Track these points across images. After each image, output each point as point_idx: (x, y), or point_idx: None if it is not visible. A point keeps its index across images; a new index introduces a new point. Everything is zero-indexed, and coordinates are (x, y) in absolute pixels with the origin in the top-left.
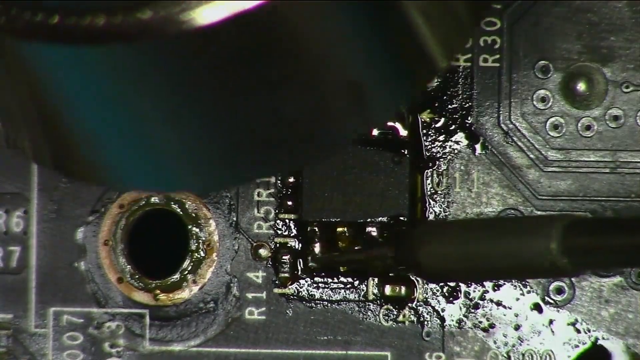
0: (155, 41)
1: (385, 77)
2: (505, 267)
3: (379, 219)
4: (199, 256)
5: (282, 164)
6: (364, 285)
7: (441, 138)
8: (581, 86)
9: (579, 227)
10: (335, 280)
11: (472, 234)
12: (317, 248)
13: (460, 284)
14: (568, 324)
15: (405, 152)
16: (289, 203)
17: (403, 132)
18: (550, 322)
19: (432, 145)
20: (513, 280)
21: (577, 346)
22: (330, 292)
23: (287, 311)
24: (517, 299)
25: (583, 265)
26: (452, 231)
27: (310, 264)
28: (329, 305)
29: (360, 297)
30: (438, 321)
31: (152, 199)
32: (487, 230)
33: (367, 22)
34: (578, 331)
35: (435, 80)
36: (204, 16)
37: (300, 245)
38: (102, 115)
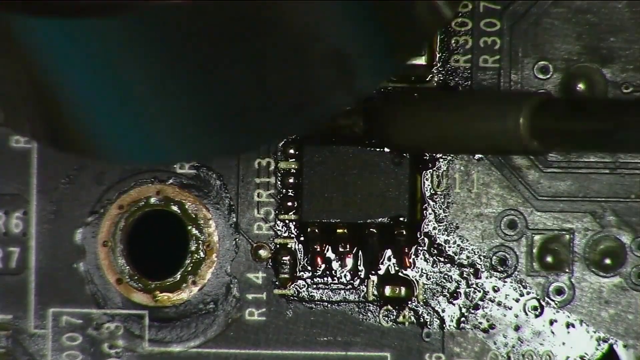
0: (140, 14)
1: (370, 48)
2: (476, 145)
3: (379, 219)
4: (198, 257)
5: (268, 134)
6: (363, 286)
7: None
8: (581, 87)
9: (548, 107)
10: (335, 281)
11: (443, 112)
12: None
13: (460, 282)
14: (568, 325)
15: (406, 153)
16: (289, 204)
17: None
18: (550, 322)
19: None
20: (512, 281)
21: (576, 346)
22: (330, 293)
23: (287, 312)
24: (517, 300)
25: (551, 145)
26: (423, 107)
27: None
28: (329, 306)
29: (360, 298)
30: (438, 322)
31: (152, 200)
32: (458, 108)
33: None
34: (578, 332)
35: (435, 80)
36: None
37: (300, 246)
38: (91, 88)
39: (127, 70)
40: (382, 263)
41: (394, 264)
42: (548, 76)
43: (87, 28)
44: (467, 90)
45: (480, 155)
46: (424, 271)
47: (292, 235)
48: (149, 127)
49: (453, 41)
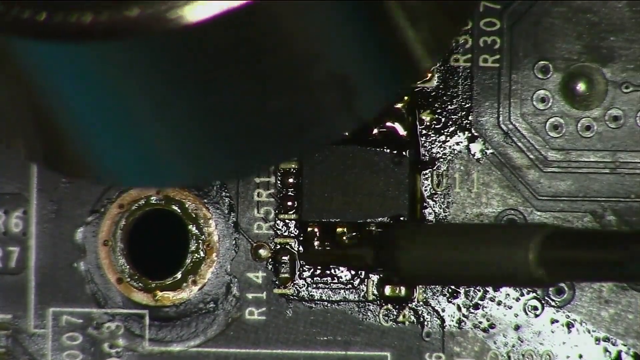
0: (142, 39)
1: (372, 72)
2: (483, 275)
3: (379, 219)
4: (198, 256)
5: (271, 158)
6: (363, 286)
7: (441, 138)
8: (581, 86)
9: (557, 239)
10: (335, 280)
11: (452, 240)
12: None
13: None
14: (568, 325)
15: (405, 153)
16: (289, 203)
17: (403, 133)
18: (550, 322)
19: (432, 146)
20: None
21: (576, 346)
22: (330, 292)
23: (287, 311)
24: (517, 300)
25: (560, 277)
26: (431, 236)
27: (300, 262)
28: (329, 305)
29: (360, 298)
30: (438, 321)
31: (152, 199)
32: (467, 237)
33: (351, 20)
34: (578, 332)
35: (436, 80)
36: (191, 14)
37: (300, 245)
38: (90, 112)
39: (128, 94)
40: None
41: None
42: (548, 76)
43: (88, 52)
44: (476, 224)
45: (480, 155)
46: None
47: (292, 235)
48: (151, 152)
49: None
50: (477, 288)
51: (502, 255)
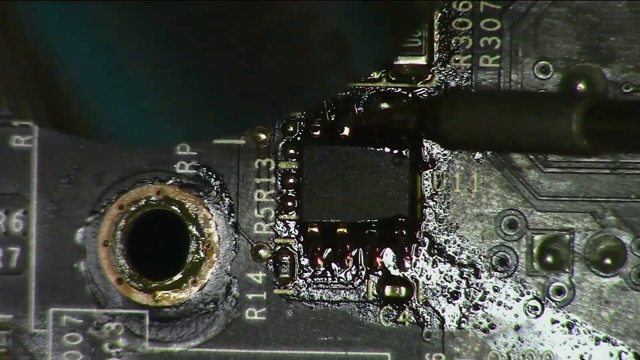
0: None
1: (366, 30)
2: (526, 144)
3: (379, 219)
4: (198, 257)
5: (265, 115)
6: (364, 286)
7: None
8: (581, 86)
9: (601, 109)
10: (335, 280)
11: (497, 109)
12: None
13: (460, 282)
14: (568, 325)
15: (406, 153)
16: (289, 204)
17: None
18: (551, 322)
19: (433, 146)
20: (512, 280)
21: (577, 347)
22: (330, 292)
23: (287, 312)
24: (518, 300)
25: (603, 147)
26: (477, 105)
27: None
28: (329, 305)
29: (360, 298)
30: (438, 322)
31: (152, 199)
32: (511, 106)
33: None
34: (578, 332)
35: (436, 80)
36: None
37: (300, 245)
38: (88, 70)
39: (125, 53)
40: (382, 263)
41: (394, 263)
42: (548, 76)
43: (85, 11)
44: (522, 90)
45: (480, 155)
46: (424, 271)
47: (292, 235)
48: (148, 109)
49: (453, 41)
50: (477, 288)
51: (546, 126)
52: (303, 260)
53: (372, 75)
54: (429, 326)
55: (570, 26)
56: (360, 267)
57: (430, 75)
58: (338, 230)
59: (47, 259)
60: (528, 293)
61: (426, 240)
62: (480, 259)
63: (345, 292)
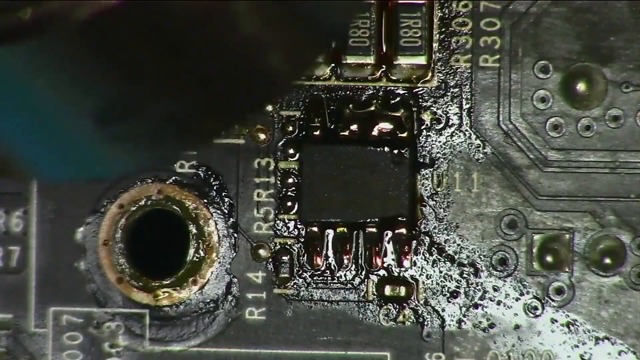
0: (37, 40)
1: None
2: None
3: (379, 219)
4: (198, 256)
5: (211, 133)
6: (363, 286)
7: (441, 138)
8: (581, 86)
9: None
10: (335, 280)
11: None
12: None
13: (460, 281)
14: (568, 324)
15: (406, 153)
16: (289, 204)
17: (403, 133)
18: (551, 322)
19: (432, 146)
20: (512, 280)
21: (576, 346)
22: (329, 292)
23: (287, 311)
24: (517, 299)
25: None
26: None
27: None
28: (329, 305)
29: (360, 298)
30: (438, 321)
31: (152, 199)
32: None
33: None
34: (578, 332)
35: (436, 80)
36: (79, 12)
37: (300, 245)
38: (7, 111)
39: (37, 94)
40: (382, 263)
41: (394, 263)
42: (548, 76)
43: None
44: None
45: (480, 155)
46: (424, 271)
47: (292, 235)
48: (70, 146)
49: (453, 41)
50: (477, 288)
51: None
52: (303, 259)
53: (372, 75)
54: (429, 326)
55: (570, 26)
56: (360, 267)
57: (430, 75)
58: (338, 229)
59: (47, 259)
60: (528, 292)
61: (426, 239)
62: (480, 258)
63: (344, 291)
